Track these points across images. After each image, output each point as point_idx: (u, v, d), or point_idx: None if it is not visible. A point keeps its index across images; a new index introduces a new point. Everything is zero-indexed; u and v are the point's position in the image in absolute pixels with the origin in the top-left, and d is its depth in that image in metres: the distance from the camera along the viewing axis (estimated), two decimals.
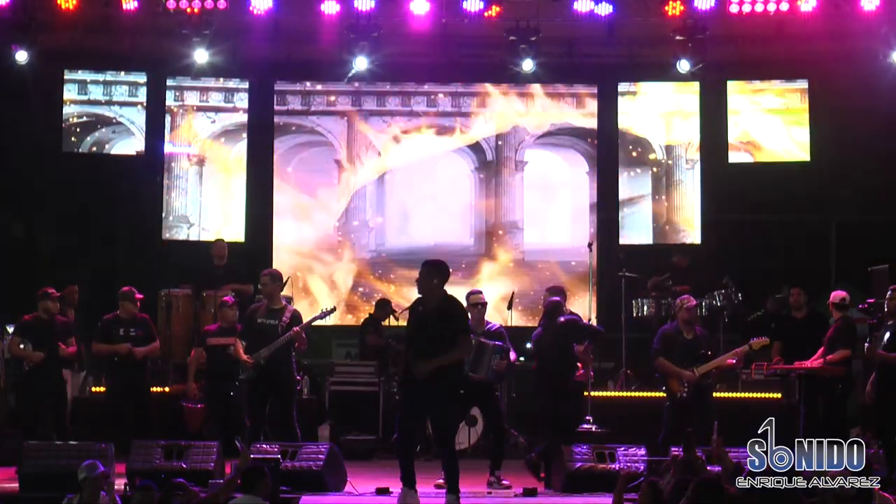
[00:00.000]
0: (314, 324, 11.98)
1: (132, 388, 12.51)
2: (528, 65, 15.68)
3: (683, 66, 15.44)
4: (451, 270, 10.31)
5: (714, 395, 12.28)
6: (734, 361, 12.04)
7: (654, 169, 16.93)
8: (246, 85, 16.88)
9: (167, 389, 13.84)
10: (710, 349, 11.97)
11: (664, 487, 8.37)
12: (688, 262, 15.37)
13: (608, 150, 16.89)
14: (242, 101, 16.91)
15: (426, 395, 9.89)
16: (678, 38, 15.19)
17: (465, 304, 11.48)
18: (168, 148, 16.79)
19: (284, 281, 15.95)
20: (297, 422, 11.54)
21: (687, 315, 12.02)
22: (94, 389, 13.90)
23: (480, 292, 11.87)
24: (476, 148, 17.04)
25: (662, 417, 11.86)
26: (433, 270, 10.10)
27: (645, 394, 14.05)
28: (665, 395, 11.95)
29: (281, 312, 11.62)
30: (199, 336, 13.23)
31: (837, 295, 12.41)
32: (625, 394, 14.21)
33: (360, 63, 15.51)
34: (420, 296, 10.20)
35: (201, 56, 15.46)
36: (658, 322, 14.12)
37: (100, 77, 16.69)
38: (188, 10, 14.84)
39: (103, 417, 12.61)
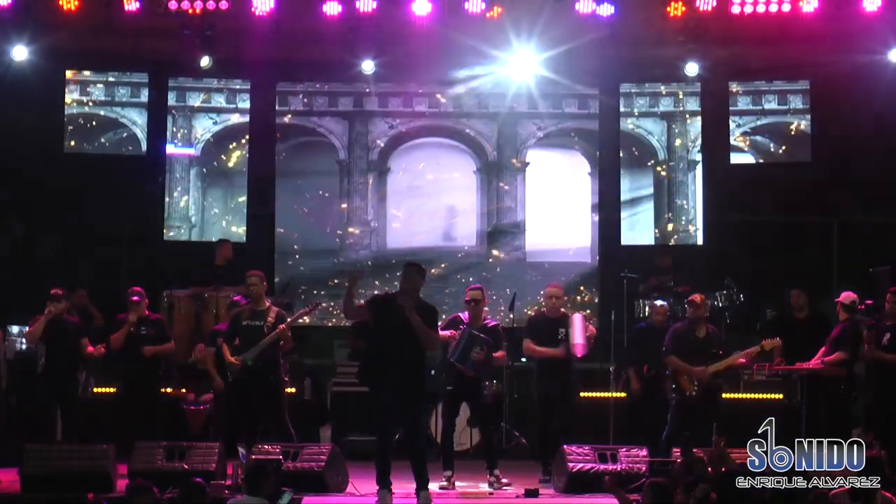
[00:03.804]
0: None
1: (142, 389, 12.49)
2: (529, 65, 15.70)
3: (691, 68, 15.48)
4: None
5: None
6: (745, 361, 12.03)
7: (656, 170, 16.94)
8: (248, 86, 16.90)
9: (170, 390, 13.83)
10: (721, 348, 11.91)
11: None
12: (670, 261, 15.37)
13: (610, 151, 16.89)
14: (244, 101, 16.93)
15: (395, 393, 10.04)
16: (680, 39, 15.20)
17: (465, 298, 11.61)
18: (170, 148, 16.81)
19: (286, 282, 16.04)
20: (289, 421, 11.54)
21: (691, 312, 12.01)
22: (95, 390, 13.88)
23: (480, 289, 11.85)
24: (478, 149, 17.05)
25: (669, 416, 11.83)
26: (421, 272, 10.40)
27: None
28: (673, 393, 11.92)
29: (265, 313, 11.62)
30: (208, 336, 13.21)
31: (848, 296, 12.38)
32: (625, 395, 14.15)
33: (367, 66, 15.55)
34: (393, 293, 10.35)
35: (203, 57, 15.46)
36: (659, 323, 14.13)
37: (102, 78, 16.73)
38: (190, 10, 14.81)
39: (110, 417, 12.61)
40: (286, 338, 11.60)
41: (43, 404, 12.52)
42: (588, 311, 15.81)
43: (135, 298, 12.54)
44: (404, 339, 10.06)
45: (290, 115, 17.06)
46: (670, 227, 16.78)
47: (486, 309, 11.87)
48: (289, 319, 11.65)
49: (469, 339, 11.29)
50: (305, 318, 12.28)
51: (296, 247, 16.86)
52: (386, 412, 10.19)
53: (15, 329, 13.71)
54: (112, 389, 13.27)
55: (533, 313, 13.82)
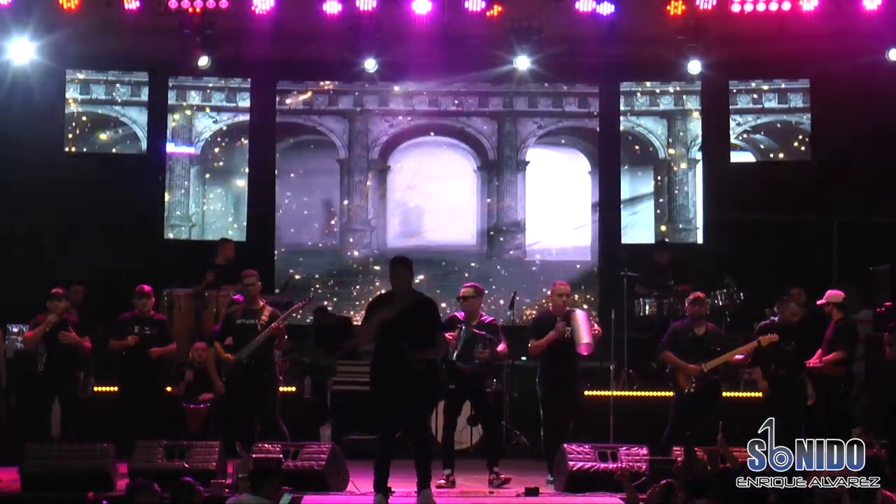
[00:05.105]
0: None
1: (145, 390, 12.45)
2: (529, 64, 15.71)
3: (693, 66, 15.48)
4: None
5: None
6: (742, 357, 11.96)
7: (656, 168, 16.95)
8: (248, 84, 16.91)
9: (170, 389, 13.82)
10: (720, 345, 11.86)
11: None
12: (668, 257, 15.37)
13: (610, 150, 16.90)
14: (244, 100, 16.94)
15: (406, 392, 9.91)
16: (680, 37, 15.20)
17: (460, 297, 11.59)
18: (170, 147, 16.82)
19: (285, 282, 16.03)
20: (281, 420, 11.54)
21: (690, 310, 11.99)
22: (95, 389, 13.87)
23: (473, 286, 11.81)
24: (478, 147, 17.05)
25: (669, 413, 11.81)
26: (409, 267, 10.19)
27: (646, 394, 14.04)
28: (673, 391, 11.90)
29: (259, 312, 11.62)
30: (209, 336, 13.19)
31: (838, 295, 12.40)
32: (626, 393, 14.18)
33: (369, 65, 15.56)
34: (389, 293, 10.24)
35: (203, 56, 15.46)
36: (659, 322, 14.15)
37: (102, 77, 16.74)
38: (190, 9, 14.82)
39: (110, 416, 12.59)
40: (281, 335, 11.60)
41: (42, 402, 12.51)
42: (586, 307, 15.85)
43: (147, 289, 12.50)
44: (407, 341, 9.90)
45: (290, 114, 17.05)
46: (670, 226, 16.78)
47: (482, 306, 11.87)
48: (282, 316, 11.66)
49: (470, 339, 11.29)
50: (299, 313, 12.21)
51: (296, 246, 16.86)
52: (393, 416, 10.10)
53: (15, 328, 13.70)
54: (114, 388, 13.22)
55: (536, 313, 13.79)
